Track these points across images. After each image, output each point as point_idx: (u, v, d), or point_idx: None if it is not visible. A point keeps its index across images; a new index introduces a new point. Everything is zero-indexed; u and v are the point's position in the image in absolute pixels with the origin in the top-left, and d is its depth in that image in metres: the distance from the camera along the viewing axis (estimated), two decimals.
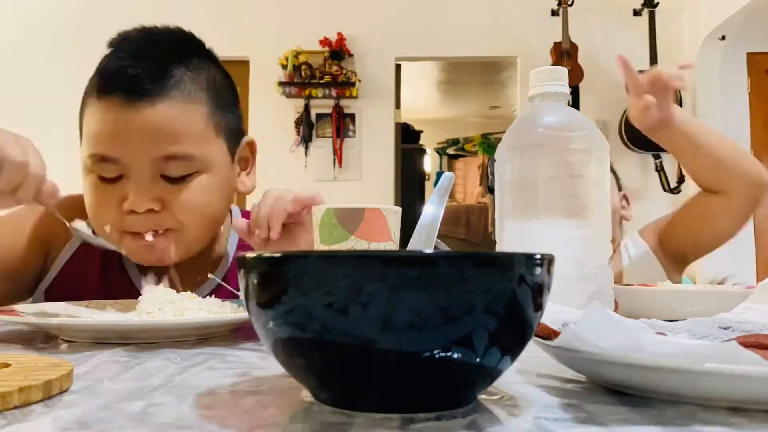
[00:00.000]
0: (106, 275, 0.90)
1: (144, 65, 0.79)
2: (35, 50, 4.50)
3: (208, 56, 0.88)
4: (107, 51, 0.85)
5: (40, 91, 4.47)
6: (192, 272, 0.85)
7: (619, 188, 1.36)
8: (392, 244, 0.60)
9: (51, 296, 0.89)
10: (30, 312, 0.64)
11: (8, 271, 0.87)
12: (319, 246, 0.60)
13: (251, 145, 0.93)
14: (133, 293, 0.75)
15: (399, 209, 0.61)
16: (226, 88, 0.89)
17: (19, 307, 0.67)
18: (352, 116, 4.50)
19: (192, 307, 0.63)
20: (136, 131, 0.77)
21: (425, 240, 0.60)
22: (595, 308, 0.35)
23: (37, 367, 0.38)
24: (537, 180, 0.58)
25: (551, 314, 0.42)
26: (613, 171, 1.19)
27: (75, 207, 0.84)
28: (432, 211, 0.61)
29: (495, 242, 0.63)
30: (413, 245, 0.60)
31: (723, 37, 4.14)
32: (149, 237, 0.79)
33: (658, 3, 4.21)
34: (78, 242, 0.89)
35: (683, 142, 1.08)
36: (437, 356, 0.30)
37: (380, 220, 0.59)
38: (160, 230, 0.80)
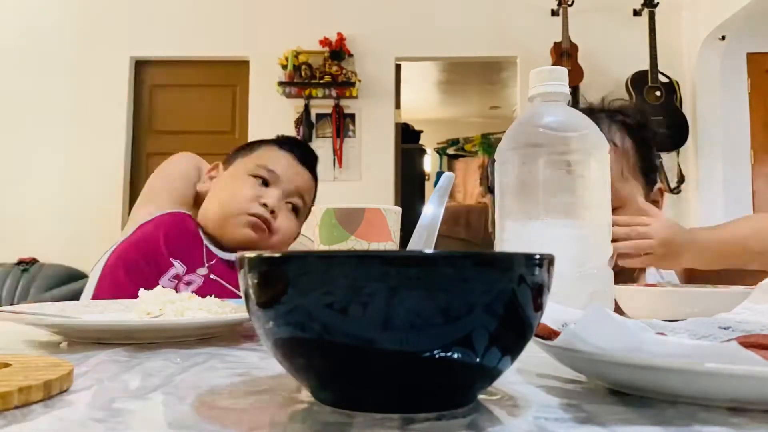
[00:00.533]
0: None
1: (308, 150, 1.25)
2: (35, 50, 4.50)
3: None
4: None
5: (40, 91, 4.47)
6: None
7: (653, 181, 1.14)
8: (392, 245, 0.60)
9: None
10: (30, 312, 0.64)
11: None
12: (318, 246, 0.60)
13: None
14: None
15: (399, 209, 0.61)
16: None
17: (19, 307, 0.67)
18: (352, 116, 4.50)
19: (192, 307, 0.63)
20: (295, 172, 1.19)
21: (425, 240, 0.60)
22: (595, 308, 0.35)
23: (37, 367, 0.38)
24: (537, 180, 0.58)
25: (551, 314, 0.42)
26: (645, 169, 1.04)
27: None
28: (432, 210, 0.61)
29: (495, 243, 0.63)
30: (413, 245, 0.60)
31: (723, 37, 4.14)
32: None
33: (658, 3, 4.21)
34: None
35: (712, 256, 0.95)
36: (437, 356, 0.30)
37: (380, 220, 0.59)
38: (266, 226, 1.12)
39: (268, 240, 1.12)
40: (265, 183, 1.15)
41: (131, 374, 0.42)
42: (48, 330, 0.61)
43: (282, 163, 1.17)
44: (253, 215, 1.10)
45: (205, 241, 1.15)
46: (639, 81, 4.19)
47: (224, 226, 1.12)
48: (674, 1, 4.33)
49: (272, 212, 1.11)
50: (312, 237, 0.63)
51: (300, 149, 1.23)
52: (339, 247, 0.59)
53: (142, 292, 0.67)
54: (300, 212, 1.19)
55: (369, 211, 0.59)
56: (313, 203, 1.25)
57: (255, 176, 1.14)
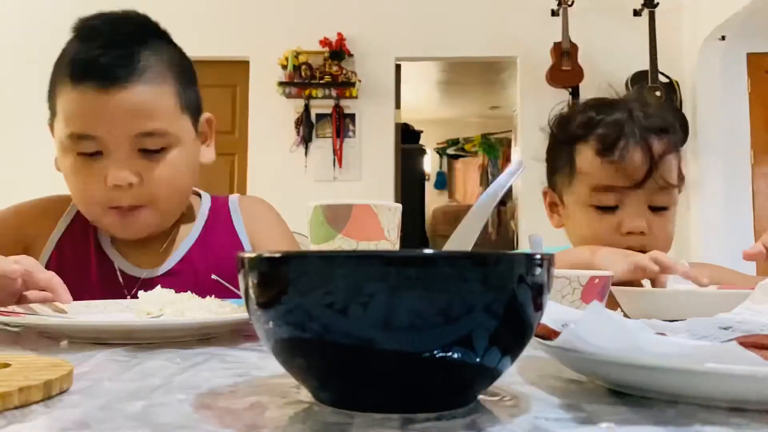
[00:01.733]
0: (86, 259, 0.95)
1: (114, 53, 0.83)
2: (35, 50, 4.50)
3: (165, 37, 0.94)
4: (71, 36, 0.90)
5: (40, 91, 4.46)
6: (157, 244, 0.94)
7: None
8: (386, 243, 0.56)
9: None
10: (29, 312, 0.64)
11: None
12: (309, 245, 0.58)
13: (209, 121, 1.00)
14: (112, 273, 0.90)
15: (397, 206, 0.58)
16: (186, 66, 0.95)
17: (19, 307, 0.67)
18: (352, 116, 4.51)
19: (192, 307, 0.63)
20: (113, 112, 0.82)
21: (467, 231, 0.55)
22: (595, 308, 0.35)
23: (37, 367, 0.38)
24: None
25: (551, 314, 0.42)
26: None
27: None
28: (485, 195, 0.56)
29: (495, 242, 0.62)
30: (455, 236, 0.56)
31: (723, 38, 4.14)
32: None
33: (658, 3, 4.21)
34: (57, 237, 0.95)
35: None
36: (437, 356, 0.30)
37: (370, 218, 0.55)
38: (140, 204, 0.86)
39: (150, 215, 0.88)
40: (96, 152, 0.84)
41: (131, 374, 0.42)
42: (48, 330, 0.61)
43: (94, 114, 0.82)
44: (115, 207, 0.86)
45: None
46: (639, 81, 4.19)
47: (101, 226, 0.91)
48: (674, 1, 4.33)
49: (131, 184, 0.84)
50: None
51: (108, 52, 0.83)
52: (326, 246, 0.55)
53: (141, 293, 0.67)
54: (167, 147, 0.87)
55: (357, 207, 0.55)
56: (195, 82, 0.97)
57: (79, 154, 0.85)
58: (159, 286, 0.68)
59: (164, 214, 0.91)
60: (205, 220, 1.00)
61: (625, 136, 0.96)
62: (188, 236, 0.98)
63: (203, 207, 1.02)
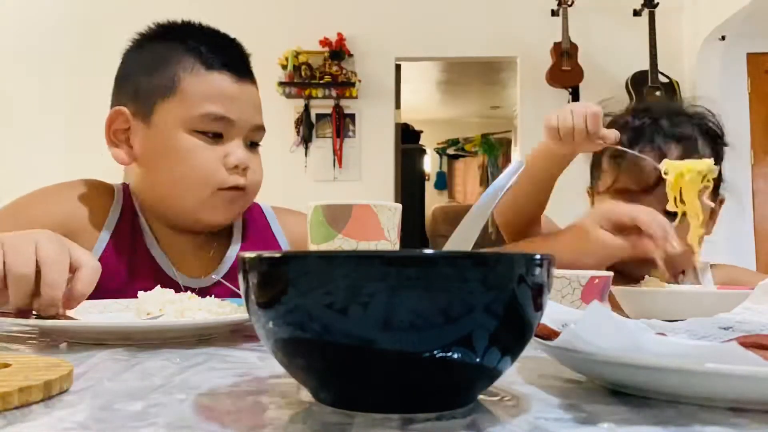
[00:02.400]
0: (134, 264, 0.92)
1: (240, 54, 0.97)
2: (35, 50, 4.50)
3: None
4: (151, 30, 1.01)
5: (40, 91, 4.47)
6: (198, 244, 0.96)
7: (717, 192, 1.07)
8: (386, 243, 0.56)
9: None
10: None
11: None
12: (309, 246, 0.58)
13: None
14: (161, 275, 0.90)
15: (397, 206, 0.58)
16: None
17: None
18: (352, 116, 4.50)
19: (192, 307, 0.63)
20: (244, 100, 0.92)
21: (467, 231, 0.55)
22: (595, 308, 0.35)
23: (37, 367, 0.38)
24: None
25: (551, 314, 0.42)
26: (716, 181, 1.00)
27: None
28: (484, 196, 0.56)
29: (495, 242, 0.62)
30: (455, 236, 0.56)
31: (723, 38, 4.14)
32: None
33: (658, 3, 4.21)
34: (109, 233, 0.91)
35: None
36: (437, 356, 0.30)
37: (370, 218, 0.55)
38: (246, 187, 0.91)
39: (245, 202, 0.94)
40: (218, 134, 0.89)
41: (131, 374, 0.42)
42: (48, 331, 0.61)
43: (227, 95, 0.89)
44: (231, 188, 0.89)
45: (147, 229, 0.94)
46: (639, 81, 4.19)
47: (197, 210, 0.90)
48: (674, 1, 4.33)
49: (245, 169, 0.90)
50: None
51: (232, 55, 0.94)
52: (326, 247, 0.55)
53: (141, 293, 0.67)
54: (260, 144, 0.97)
55: (357, 207, 0.55)
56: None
57: (204, 132, 0.88)
58: (212, 295, 0.68)
59: (245, 206, 0.96)
60: (242, 229, 1.01)
61: (641, 141, 0.98)
62: (232, 245, 0.98)
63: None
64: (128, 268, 0.90)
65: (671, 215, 0.95)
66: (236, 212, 0.94)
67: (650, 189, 0.96)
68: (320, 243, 0.56)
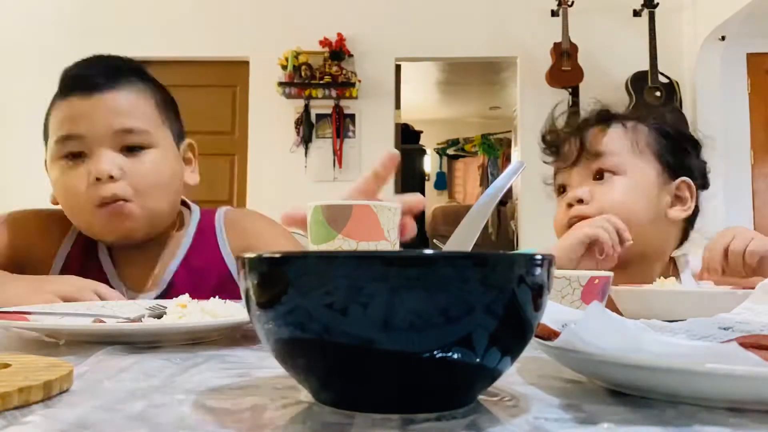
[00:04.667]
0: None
1: (99, 68, 0.94)
2: (35, 50, 4.50)
3: (151, 78, 1.02)
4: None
5: (40, 91, 4.47)
6: (148, 257, 0.98)
7: (673, 173, 1.07)
8: (386, 244, 0.55)
9: None
10: (27, 312, 0.63)
11: None
12: (309, 246, 0.57)
13: (192, 147, 1.06)
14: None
15: (397, 206, 0.57)
16: (165, 93, 1.02)
17: (21, 307, 0.67)
18: (352, 117, 4.51)
19: (192, 311, 0.63)
20: (95, 111, 0.90)
21: (467, 231, 0.55)
22: (595, 308, 0.35)
23: (37, 368, 0.38)
24: None
25: (551, 314, 0.42)
26: (660, 154, 1.04)
27: None
28: (482, 199, 0.56)
29: (495, 242, 0.62)
30: (455, 236, 0.56)
31: (723, 38, 4.14)
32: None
33: (658, 3, 4.21)
34: (65, 255, 0.98)
35: None
36: (437, 356, 0.30)
37: (370, 218, 0.54)
38: (124, 197, 0.90)
39: (136, 211, 0.91)
40: (80, 154, 0.90)
41: (131, 374, 0.42)
42: (48, 332, 0.61)
43: (75, 114, 0.90)
44: (109, 202, 0.89)
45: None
46: (639, 81, 4.19)
47: (91, 231, 0.94)
48: (674, 1, 4.33)
49: (112, 178, 0.88)
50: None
51: (91, 72, 0.93)
52: (326, 247, 0.55)
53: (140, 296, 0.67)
54: (147, 146, 0.92)
55: (358, 207, 0.54)
56: (178, 114, 1.02)
57: (65, 157, 0.90)
58: None
59: (150, 214, 0.93)
60: (191, 239, 1.01)
61: (556, 126, 1.08)
62: (174, 259, 0.99)
63: (192, 222, 1.03)
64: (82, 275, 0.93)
65: (599, 176, 1.01)
66: (131, 224, 0.91)
67: (576, 162, 1.03)
68: (320, 243, 0.55)
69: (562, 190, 1.07)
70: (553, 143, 1.07)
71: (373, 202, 0.56)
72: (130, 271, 0.97)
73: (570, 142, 1.05)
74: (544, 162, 1.11)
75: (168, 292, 0.94)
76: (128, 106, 0.92)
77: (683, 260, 1.08)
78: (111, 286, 0.92)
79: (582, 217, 0.97)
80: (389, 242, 0.56)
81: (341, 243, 0.54)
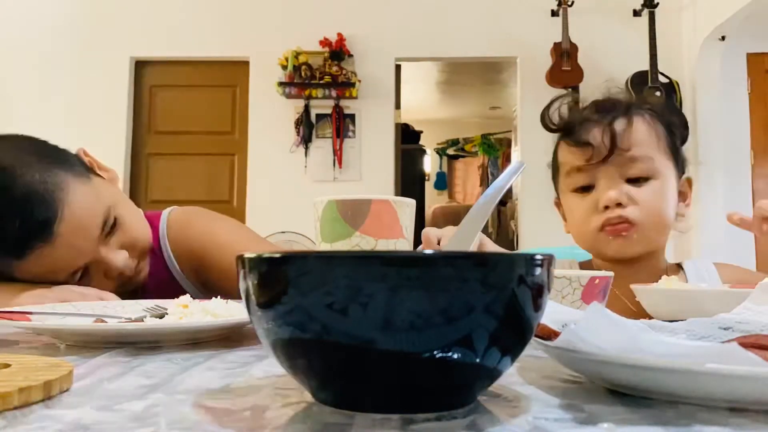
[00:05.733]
0: None
1: (20, 228, 0.84)
2: (35, 50, 4.50)
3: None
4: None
5: (41, 91, 4.47)
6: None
7: (681, 170, 1.05)
8: (404, 242, 0.52)
9: None
10: (28, 311, 0.63)
11: None
12: (320, 244, 0.54)
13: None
14: None
15: (413, 201, 0.54)
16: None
17: (22, 307, 0.67)
18: (352, 116, 4.51)
19: (193, 311, 0.63)
20: (39, 265, 0.85)
21: (467, 231, 0.53)
22: (595, 308, 0.35)
23: (37, 368, 0.38)
24: None
25: (551, 314, 0.42)
26: (674, 154, 1.01)
27: None
28: (482, 199, 0.55)
29: (495, 242, 0.61)
30: (455, 237, 0.55)
31: (723, 38, 4.14)
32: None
33: (658, 3, 4.21)
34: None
35: None
36: (437, 356, 0.30)
37: (390, 214, 0.51)
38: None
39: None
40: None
41: (131, 375, 0.42)
42: (47, 333, 0.61)
43: (23, 272, 0.86)
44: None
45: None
46: (639, 81, 4.19)
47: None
48: (674, 1, 4.33)
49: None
50: (312, 235, 0.56)
51: (9, 237, 0.83)
52: (342, 245, 0.51)
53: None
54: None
55: (377, 203, 0.51)
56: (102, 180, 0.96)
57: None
58: None
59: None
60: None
61: (588, 120, 1.01)
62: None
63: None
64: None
65: (635, 181, 0.98)
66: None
67: (606, 159, 0.98)
68: (335, 241, 0.51)
69: (583, 188, 1.00)
70: (582, 137, 1.00)
71: (392, 197, 0.53)
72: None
73: (601, 136, 0.98)
74: (553, 161, 1.06)
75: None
76: (75, 242, 0.88)
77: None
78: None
79: (626, 221, 0.94)
80: (407, 240, 0.53)
81: (359, 241, 0.51)
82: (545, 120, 1.08)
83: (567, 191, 1.04)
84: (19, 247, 0.83)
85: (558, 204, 1.11)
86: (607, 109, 1.01)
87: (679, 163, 1.03)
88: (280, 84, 4.38)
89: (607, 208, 0.96)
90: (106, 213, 0.90)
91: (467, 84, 6.70)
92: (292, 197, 4.12)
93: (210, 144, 4.57)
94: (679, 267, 1.07)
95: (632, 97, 1.12)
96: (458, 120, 8.22)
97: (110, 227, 0.91)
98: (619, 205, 0.96)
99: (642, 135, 0.99)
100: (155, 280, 0.98)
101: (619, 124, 0.98)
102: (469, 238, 0.54)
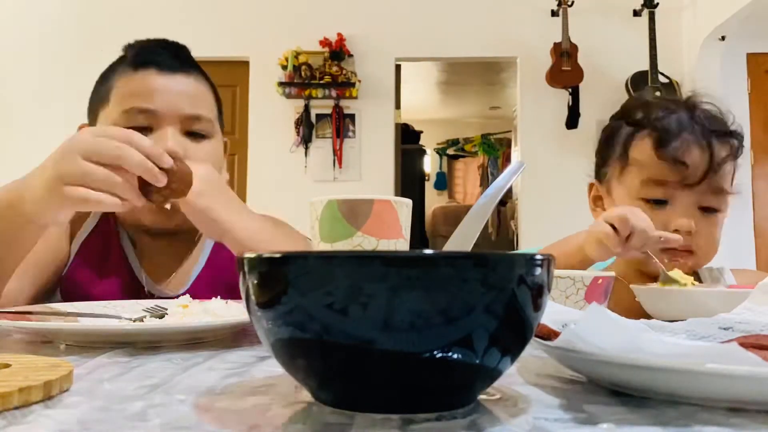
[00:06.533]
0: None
1: (172, 51, 0.95)
2: (35, 50, 4.50)
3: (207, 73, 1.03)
4: (122, 54, 0.97)
5: (40, 91, 4.47)
6: (173, 252, 0.97)
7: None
8: (403, 242, 0.53)
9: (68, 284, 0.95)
10: (27, 311, 0.63)
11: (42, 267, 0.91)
12: (319, 244, 0.53)
13: (226, 145, 1.05)
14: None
15: (410, 201, 0.55)
16: (218, 95, 1.03)
17: (22, 307, 0.67)
18: (352, 116, 4.51)
19: (193, 311, 0.63)
20: (171, 90, 0.91)
21: (467, 231, 0.53)
22: (595, 308, 0.35)
23: (37, 368, 0.38)
24: None
25: (551, 314, 0.42)
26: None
27: None
28: (482, 199, 0.55)
29: (495, 242, 0.61)
30: (455, 236, 0.54)
31: (723, 37, 4.14)
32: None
33: (658, 3, 4.21)
34: (83, 237, 0.96)
35: None
36: (437, 356, 0.30)
37: (390, 214, 0.51)
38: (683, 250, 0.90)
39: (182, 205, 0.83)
40: (145, 127, 0.88)
41: (131, 375, 0.42)
42: (48, 333, 0.61)
43: (150, 89, 0.90)
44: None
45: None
46: (639, 81, 4.19)
47: (133, 209, 0.80)
48: (674, 1, 4.33)
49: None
50: (310, 234, 0.56)
51: (165, 52, 0.94)
52: (343, 245, 0.51)
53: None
54: (208, 135, 0.94)
55: (378, 203, 0.51)
56: (220, 110, 1.01)
57: (131, 128, 0.79)
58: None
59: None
60: (214, 240, 0.99)
61: (687, 133, 0.94)
62: (200, 258, 0.99)
63: None
64: (99, 269, 0.93)
65: (707, 210, 0.94)
66: (176, 210, 0.84)
67: (696, 184, 0.93)
68: (336, 241, 0.51)
69: (656, 201, 0.95)
70: (679, 155, 0.93)
71: (392, 197, 0.53)
72: (154, 262, 0.96)
73: (699, 160, 0.93)
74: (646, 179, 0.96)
75: (191, 291, 0.94)
76: (199, 94, 0.95)
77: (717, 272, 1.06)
78: (133, 276, 0.94)
79: (688, 249, 0.92)
80: (406, 240, 0.53)
81: (361, 241, 0.50)
82: (624, 113, 1.01)
83: (633, 195, 0.97)
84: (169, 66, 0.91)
85: (592, 188, 1.06)
86: (702, 123, 0.96)
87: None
88: (280, 84, 4.38)
89: (676, 230, 0.91)
90: (206, 113, 0.93)
91: (467, 84, 6.70)
92: (292, 197, 4.11)
93: None
94: (695, 273, 1.04)
95: (720, 111, 1.05)
96: (458, 120, 8.22)
97: (201, 131, 0.92)
98: (688, 233, 0.92)
99: (728, 167, 0.95)
100: (232, 274, 0.97)
101: (719, 151, 0.94)
102: (470, 238, 0.54)
